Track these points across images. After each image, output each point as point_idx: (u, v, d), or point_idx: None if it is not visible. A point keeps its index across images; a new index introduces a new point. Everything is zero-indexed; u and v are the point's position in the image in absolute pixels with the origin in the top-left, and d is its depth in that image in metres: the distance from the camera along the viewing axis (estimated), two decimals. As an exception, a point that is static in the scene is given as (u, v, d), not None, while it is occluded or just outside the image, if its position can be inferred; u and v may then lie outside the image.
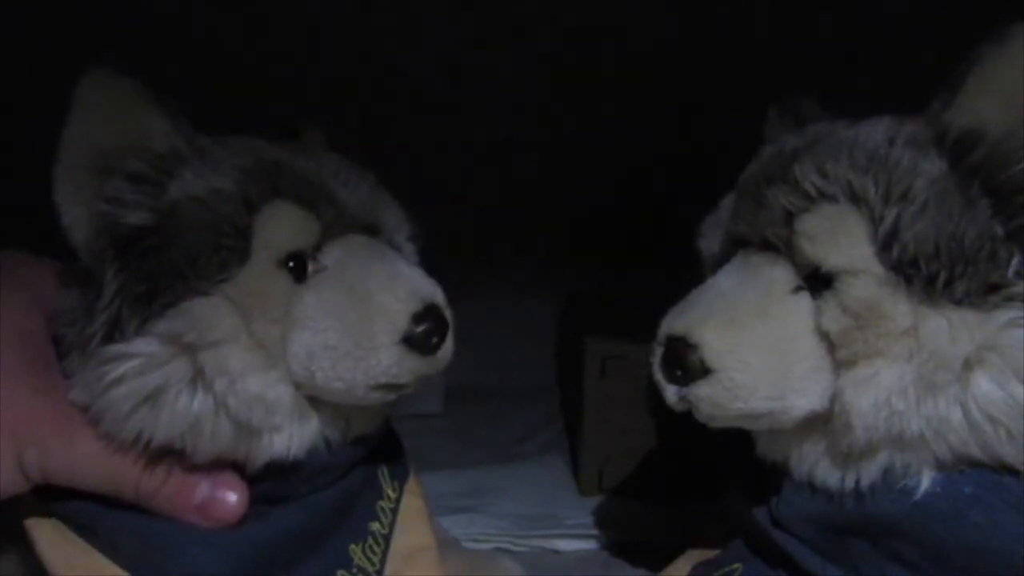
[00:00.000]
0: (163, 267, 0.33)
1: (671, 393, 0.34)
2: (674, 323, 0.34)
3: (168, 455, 0.33)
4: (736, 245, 0.36)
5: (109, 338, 0.32)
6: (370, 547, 0.39)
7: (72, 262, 0.34)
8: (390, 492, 0.40)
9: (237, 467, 0.35)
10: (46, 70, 0.42)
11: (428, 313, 0.34)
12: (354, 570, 0.38)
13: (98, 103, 0.34)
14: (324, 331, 0.33)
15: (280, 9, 0.63)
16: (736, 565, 0.38)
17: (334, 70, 0.65)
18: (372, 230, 0.37)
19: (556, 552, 0.53)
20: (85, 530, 0.35)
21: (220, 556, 0.35)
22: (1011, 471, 0.32)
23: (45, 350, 0.34)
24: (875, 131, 0.34)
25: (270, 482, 0.35)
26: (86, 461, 0.33)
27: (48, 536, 0.35)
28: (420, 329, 0.33)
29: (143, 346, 0.32)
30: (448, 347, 0.35)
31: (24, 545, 0.35)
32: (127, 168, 0.34)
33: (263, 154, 0.36)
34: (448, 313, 0.35)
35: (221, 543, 0.35)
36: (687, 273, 0.38)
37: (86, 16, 0.59)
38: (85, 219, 0.34)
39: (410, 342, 0.33)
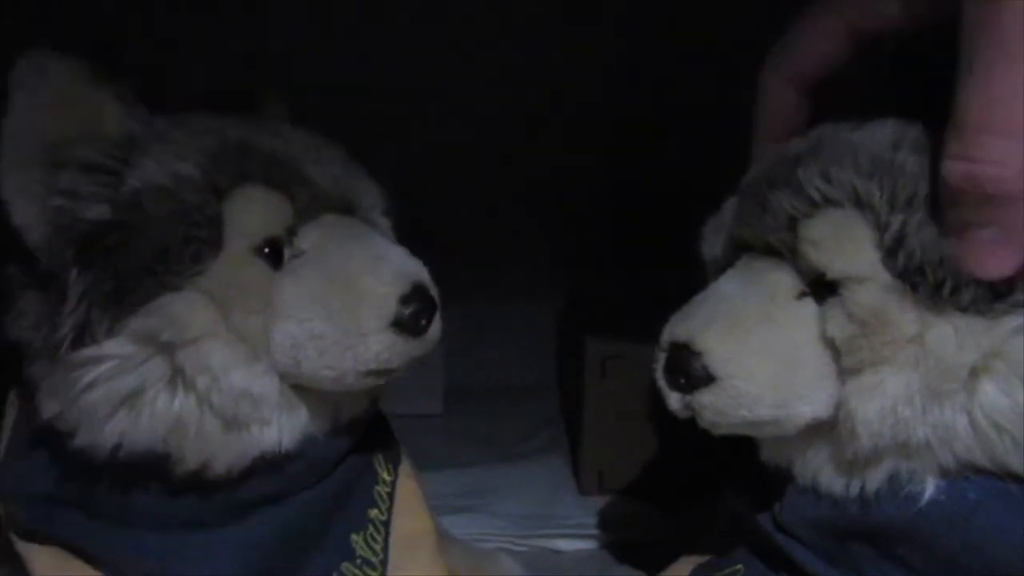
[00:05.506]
0: (130, 263, 0.31)
1: (674, 400, 0.34)
2: (677, 329, 0.34)
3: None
4: (739, 249, 0.36)
5: (79, 342, 0.31)
6: (371, 535, 0.38)
7: (29, 262, 0.32)
8: (385, 476, 0.40)
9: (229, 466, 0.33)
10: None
11: (415, 294, 0.33)
12: (358, 561, 0.37)
13: (41, 88, 0.31)
14: (309, 320, 0.32)
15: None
16: (738, 567, 0.38)
17: (330, 69, 0.64)
18: (347, 208, 0.35)
19: (556, 552, 0.53)
20: (85, 555, 0.34)
21: (225, 561, 0.34)
22: (1016, 478, 0.32)
23: None
24: (880, 135, 0.34)
25: (266, 477, 0.34)
26: None
27: (48, 565, 0.34)
28: (409, 311, 0.32)
29: (116, 347, 0.30)
30: (437, 326, 0.34)
31: (18, 566, 0.34)
32: (80, 158, 0.31)
33: (227, 134, 0.33)
34: (435, 291, 0.34)
35: (225, 547, 0.34)
36: (688, 273, 0.38)
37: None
38: (39, 217, 0.31)
39: (400, 326, 0.32)
